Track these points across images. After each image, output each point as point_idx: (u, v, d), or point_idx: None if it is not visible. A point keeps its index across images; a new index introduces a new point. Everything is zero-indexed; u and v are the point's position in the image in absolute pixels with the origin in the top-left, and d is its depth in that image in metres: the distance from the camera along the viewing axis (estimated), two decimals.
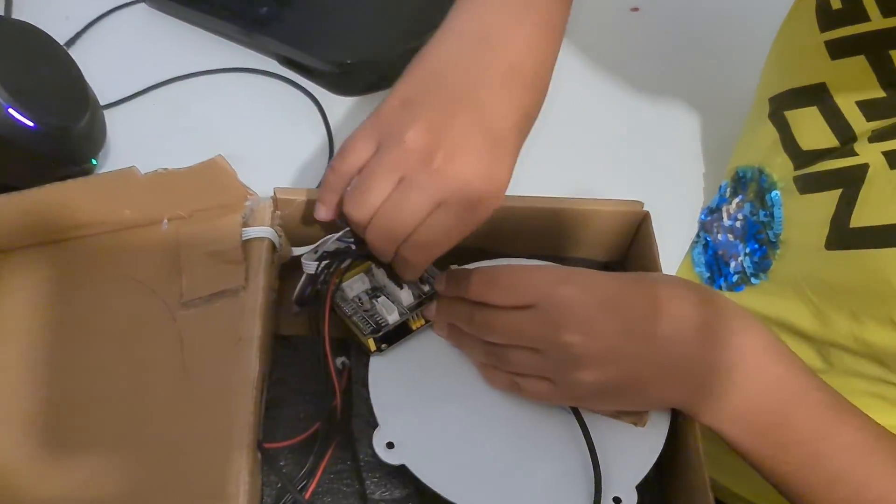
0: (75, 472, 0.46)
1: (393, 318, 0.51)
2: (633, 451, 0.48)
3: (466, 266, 0.52)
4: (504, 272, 0.47)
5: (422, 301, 0.52)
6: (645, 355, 0.44)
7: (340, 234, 0.51)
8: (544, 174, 0.62)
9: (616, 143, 0.73)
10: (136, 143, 0.67)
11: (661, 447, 0.49)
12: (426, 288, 0.53)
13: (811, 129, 0.54)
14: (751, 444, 0.45)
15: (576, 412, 0.48)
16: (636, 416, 0.49)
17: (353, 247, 0.51)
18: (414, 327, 0.51)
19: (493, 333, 0.47)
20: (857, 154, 0.50)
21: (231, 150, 0.66)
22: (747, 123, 0.65)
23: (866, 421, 0.44)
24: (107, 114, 0.68)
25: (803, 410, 0.44)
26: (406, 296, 0.52)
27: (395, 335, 0.51)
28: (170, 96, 0.71)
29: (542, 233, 0.58)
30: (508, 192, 0.58)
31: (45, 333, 0.51)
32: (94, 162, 0.59)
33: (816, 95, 0.54)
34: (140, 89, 0.70)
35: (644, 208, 0.58)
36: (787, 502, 0.46)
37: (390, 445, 0.48)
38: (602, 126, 0.74)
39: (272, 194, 0.55)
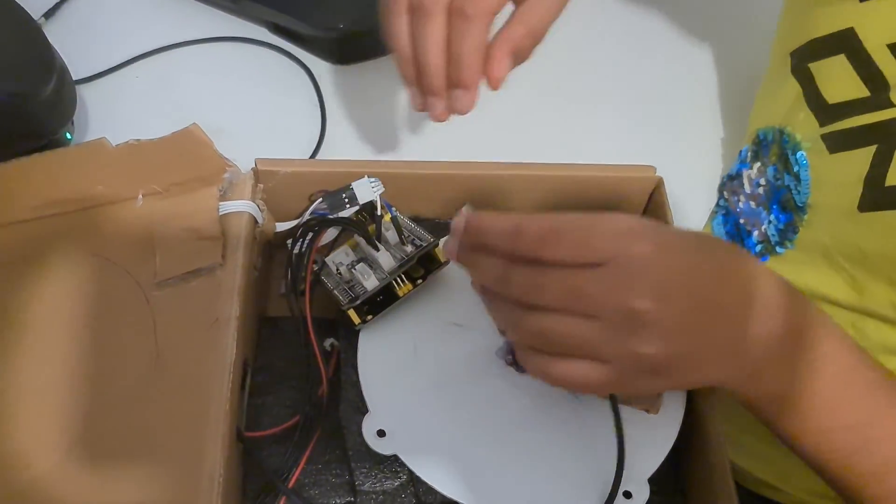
0: (41, 461, 0.43)
1: (370, 283, 0.46)
2: (645, 440, 0.44)
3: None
4: (568, 223, 0.37)
5: (402, 264, 0.47)
6: (712, 329, 0.38)
7: (314, 204, 0.47)
8: (547, 139, 0.58)
9: (626, 106, 0.68)
10: (118, 117, 0.64)
11: (676, 436, 0.44)
12: (408, 249, 0.47)
13: (838, 79, 0.50)
14: (794, 427, 0.41)
15: (612, 398, 0.43)
16: (649, 403, 0.45)
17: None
18: (400, 294, 0.47)
19: (544, 296, 0.37)
20: (892, 104, 0.46)
21: (219, 124, 0.62)
22: (766, 82, 0.61)
23: None
24: (88, 87, 0.65)
25: (852, 391, 0.40)
26: (385, 259, 0.47)
27: (379, 304, 0.46)
28: (154, 68, 0.67)
29: (545, 202, 0.54)
30: (507, 159, 0.54)
31: (11, 318, 0.48)
32: (68, 136, 0.56)
33: (843, 42, 0.49)
34: (123, 61, 0.66)
35: (657, 174, 0.53)
36: (815, 485, 0.42)
37: (381, 433, 0.44)
38: (610, 87, 0.70)
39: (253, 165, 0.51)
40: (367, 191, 0.48)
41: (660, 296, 0.36)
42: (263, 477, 0.46)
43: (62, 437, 0.44)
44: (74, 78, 0.64)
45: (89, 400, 0.45)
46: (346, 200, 0.48)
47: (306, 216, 0.48)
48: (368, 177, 0.49)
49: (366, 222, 0.49)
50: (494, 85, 0.48)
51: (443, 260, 0.47)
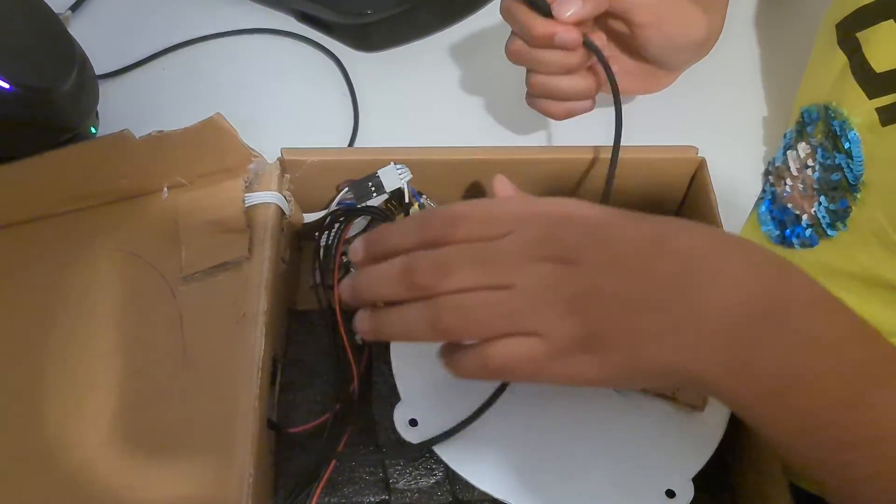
0: (69, 459, 0.42)
1: None
2: (690, 438, 0.42)
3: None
4: (471, 205, 0.36)
5: None
6: (638, 294, 0.34)
7: (340, 194, 0.46)
8: (581, 120, 0.55)
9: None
10: (146, 110, 0.63)
11: (722, 434, 0.42)
12: None
13: (888, 46, 0.47)
14: (790, 430, 0.34)
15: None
16: (695, 398, 0.43)
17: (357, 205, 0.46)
18: None
19: (453, 271, 0.35)
20: None
21: (249, 117, 0.61)
22: (812, 59, 0.58)
23: None
24: (115, 81, 0.64)
25: (875, 389, 0.33)
26: None
27: None
28: (182, 61, 0.66)
29: (582, 185, 0.52)
30: (544, 142, 0.52)
31: (38, 315, 0.47)
32: (93, 130, 0.55)
33: (892, 6, 0.46)
34: (150, 54, 0.66)
35: (699, 155, 0.51)
36: None
37: (413, 423, 0.42)
38: None
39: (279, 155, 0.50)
40: (393, 178, 0.47)
41: (572, 254, 0.34)
42: (296, 474, 0.45)
43: (92, 435, 0.43)
44: (101, 71, 0.63)
45: (118, 397, 0.44)
46: (373, 189, 0.47)
47: (333, 206, 0.47)
48: (395, 164, 0.47)
49: (395, 211, 0.47)
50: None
51: None
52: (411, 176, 0.47)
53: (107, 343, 0.46)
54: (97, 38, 0.60)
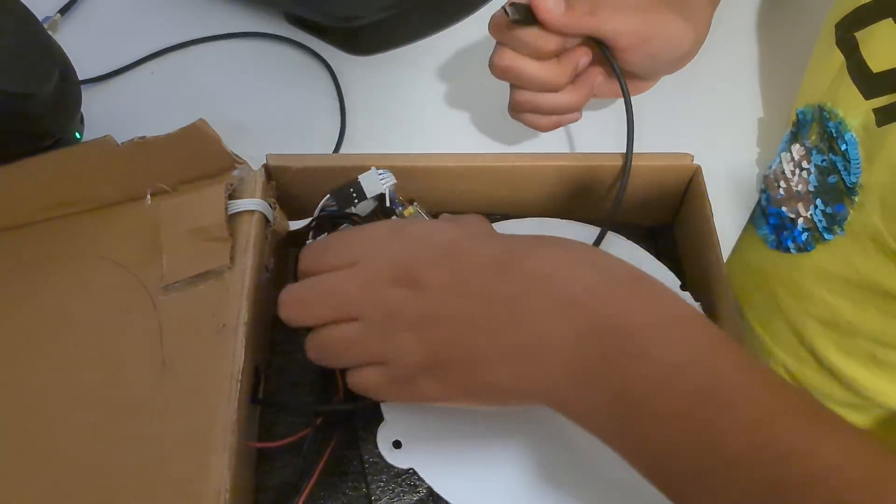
0: (43, 472, 0.41)
1: None
2: None
3: None
4: (332, 236, 0.39)
5: None
6: (476, 317, 0.34)
7: (322, 201, 0.45)
8: (577, 126, 0.54)
9: (658, 89, 0.64)
10: (133, 116, 0.62)
11: None
12: None
13: (886, 45, 0.46)
14: (642, 458, 0.32)
15: None
16: None
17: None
18: None
19: (310, 307, 0.38)
20: None
21: (237, 122, 0.61)
22: (812, 61, 0.57)
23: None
24: (103, 85, 0.63)
25: (725, 414, 0.30)
26: None
27: None
28: (170, 65, 0.65)
29: (573, 194, 0.51)
30: (536, 149, 0.51)
31: (16, 323, 0.46)
32: (78, 136, 0.54)
33: (890, 5, 0.45)
34: (138, 58, 0.65)
35: (694, 162, 0.50)
36: None
37: (397, 444, 0.41)
38: None
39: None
40: (375, 183, 0.45)
41: (417, 278, 0.34)
42: (276, 488, 0.44)
43: (68, 449, 0.42)
44: (90, 76, 0.62)
45: (95, 409, 0.43)
46: (354, 195, 0.46)
47: (315, 214, 0.46)
48: (377, 169, 0.46)
49: (381, 217, 0.46)
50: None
51: None
52: (394, 181, 0.46)
53: (85, 353, 0.44)
54: (86, 41, 0.59)
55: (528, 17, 0.47)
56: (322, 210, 0.45)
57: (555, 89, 0.51)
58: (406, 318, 0.35)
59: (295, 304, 0.39)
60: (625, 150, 0.48)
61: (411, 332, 0.35)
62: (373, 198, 0.46)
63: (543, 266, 0.34)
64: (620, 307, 0.33)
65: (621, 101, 0.51)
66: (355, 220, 0.45)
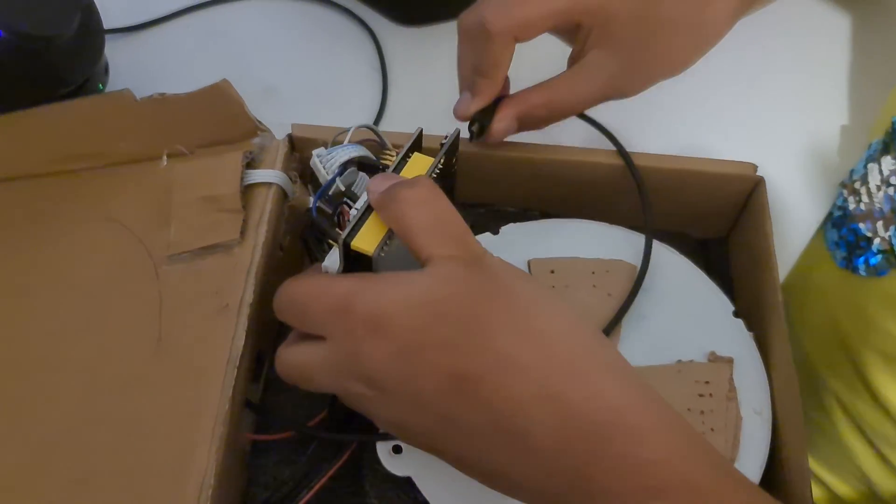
0: (18, 442, 0.39)
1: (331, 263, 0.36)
2: None
3: None
4: (290, 288, 0.35)
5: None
6: (446, 442, 0.33)
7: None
8: (635, 123, 0.49)
9: (722, 91, 0.59)
10: (163, 70, 0.59)
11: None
12: None
13: None
14: None
15: None
16: None
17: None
18: None
19: (285, 373, 0.36)
20: None
21: (270, 84, 0.57)
22: None
23: None
24: (132, 38, 0.60)
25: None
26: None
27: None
28: (206, 20, 0.62)
29: (623, 198, 0.46)
30: (590, 144, 0.47)
31: (13, 280, 0.43)
32: (101, 87, 0.51)
33: None
34: (172, 11, 0.61)
35: (758, 172, 0.45)
36: None
37: (397, 450, 0.38)
38: (703, 68, 0.60)
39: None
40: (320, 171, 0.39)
41: (377, 380, 0.32)
42: (269, 485, 0.41)
43: (55, 421, 0.39)
44: (118, 25, 0.59)
45: (85, 380, 0.40)
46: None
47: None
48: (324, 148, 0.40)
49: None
50: (492, 137, 0.45)
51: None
52: (350, 156, 0.40)
53: (79, 319, 0.42)
54: None
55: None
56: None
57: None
58: (376, 415, 0.34)
59: (279, 363, 0.36)
60: (677, 154, 0.44)
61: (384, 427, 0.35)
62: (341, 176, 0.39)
63: (512, 397, 0.31)
64: (586, 457, 0.30)
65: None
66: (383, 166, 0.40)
